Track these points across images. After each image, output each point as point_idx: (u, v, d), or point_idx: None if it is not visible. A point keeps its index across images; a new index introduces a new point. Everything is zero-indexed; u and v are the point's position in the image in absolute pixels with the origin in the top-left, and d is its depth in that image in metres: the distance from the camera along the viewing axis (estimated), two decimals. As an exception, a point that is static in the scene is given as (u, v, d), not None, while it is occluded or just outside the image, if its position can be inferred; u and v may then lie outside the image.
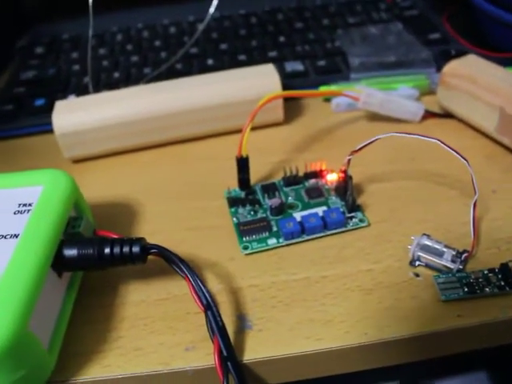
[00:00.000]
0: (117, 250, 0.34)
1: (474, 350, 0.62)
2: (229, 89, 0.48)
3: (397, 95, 0.50)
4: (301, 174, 0.43)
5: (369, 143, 0.38)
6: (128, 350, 0.34)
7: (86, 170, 0.49)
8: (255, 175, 0.45)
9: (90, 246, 0.34)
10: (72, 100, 0.50)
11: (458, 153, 0.36)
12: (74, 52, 0.64)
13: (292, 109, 0.53)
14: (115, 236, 0.36)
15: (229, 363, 0.31)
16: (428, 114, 0.50)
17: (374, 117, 0.51)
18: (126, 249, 0.34)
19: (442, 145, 0.36)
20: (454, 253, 0.37)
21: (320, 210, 0.40)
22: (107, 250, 0.34)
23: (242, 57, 0.59)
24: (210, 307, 0.32)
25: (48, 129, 0.50)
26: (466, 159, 0.36)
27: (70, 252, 0.34)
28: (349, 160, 0.40)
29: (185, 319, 0.35)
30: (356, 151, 0.39)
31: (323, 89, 0.52)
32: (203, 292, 0.32)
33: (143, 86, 0.49)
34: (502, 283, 0.35)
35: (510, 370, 0.78)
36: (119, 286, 0.38)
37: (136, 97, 0.48)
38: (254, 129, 0.47)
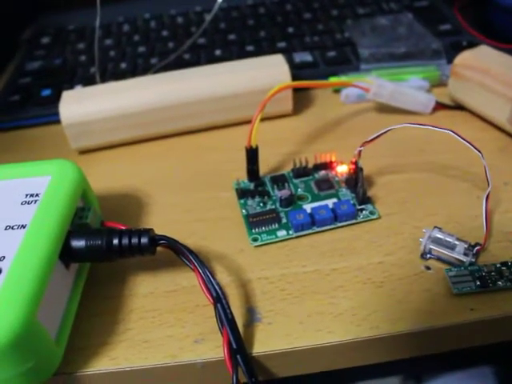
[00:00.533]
0: (125, 241, 0.33)
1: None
2: (238, 79, 0.47)
3: (407, 86, 0.50)
4: (310, 165, 0.43)
5: (381, 134, 0.38)
6: (136, 342, 0.34)
7: (93, 160, 0.48)
8: (264, 166, 0.44)
9: (98, 237, 0.33)
10: (79, 90, 0.49)
11: (471, 144, 0.35)
12: (81, 42, 0.64)
13: (301, 100, 0.52)
14: (123, 227, 0.35)
15: (238, 356, 0.31)
16: (439, 106, 0.49)
17: (384, 108, 0.50)
18: (134, 240, 0.33)
19: (456, 136, 0.35)
20: (466, 246, 0.36)
21: (330, 202, 0.40)
22: (116, 241, 0.33)
23: (250, 47, 0.59)
24: (219, 299, 0.32)
25: (55, 119, 0.50)
26: (479, 151, 0.36)
27: (78, 243, 0.33)
28: (360, 151, 0.39)
29: (194, 311, 0.35)
30: (368, 142, 0.38)
31: (333, 79, 0.51)
32: (213, 284, 0.32)
33: (150, 77, 0.49)
34: (516, 277, 0.35)
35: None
36: (127, 278, 0.37)
37: (143, 87, 0.47)
38: (263, 120, 0.46)
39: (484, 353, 0.74)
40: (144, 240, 0.33)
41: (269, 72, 0.47)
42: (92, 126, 0.47)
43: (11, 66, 0.63)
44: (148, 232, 0.34)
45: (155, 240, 0.34)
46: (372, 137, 0.38)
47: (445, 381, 0.78)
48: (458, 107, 0.49)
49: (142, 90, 0.47)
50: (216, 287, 0.32)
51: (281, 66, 0.48)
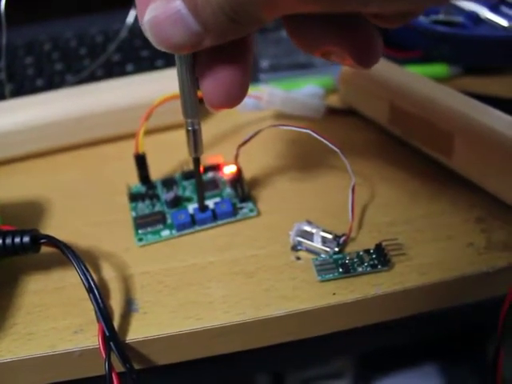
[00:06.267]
0: (9, 240, 0.36)
1: (422, 343, 0.65)
2: (136, 92, 0.50)
3: (301, 94, 0.53)
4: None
5: (252, 136, 0.41)
6: (21, 335, 0.36)
7: (4, 172, 0.51)
8: (161, 172, 0.47)
9: (-17, 238, 0.36)
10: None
11: (330, 142, 0.38)
12: (1, 60, 0.66)
13: (202, 110, 0.55)
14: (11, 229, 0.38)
15: (111, 343, 0.33)
16: (331, 111, 0.52)
17: (279, 116, 0.53)
18: (17, 239, 0.36)
19: (314, 134, 0.38)
20: (330, 237, 0.39)
21: (212, 202, 0.42)
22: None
23: (160, 62, 0.62)
24: (92, 290, 0.34)
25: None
26: (338, 148, 0.38)
27: (-34, 244, 0.36)
28: (237, 153, 0.42)
29: (77, 305, 0.37)
30: (242, 144, 0.42)
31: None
32: (86, 276, 0.35)
33: (59, 91, 0.51)
34: (376, 262, 0.38)
35: (458, 362, 0.80)
36: (21, 277, 0.40)
37: (50, 101, 0.50)
38: (164, 130, 0.49)
39: (428, 350, 0.77)
40: (26, 239, 0.36)
41: (163, 85, 0.49)
42: (1, 139, 0.49)
43: None
44: (30, 232, 0.36)
45: (37, 239, 0.36)
46: (244, 139, 0.41)
47: (392, 381, 0.80)
48: (349, 111, 0.52)
49: (48, 104, 0.50)
50: (89, 279, 0.35)
51: (174, 78, 0.50)
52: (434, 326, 0.51)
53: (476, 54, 0.56)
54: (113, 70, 0.61)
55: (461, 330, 0.64)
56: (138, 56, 0.64)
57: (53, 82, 0.61)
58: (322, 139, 0.38)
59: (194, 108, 0.34)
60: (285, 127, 0.39)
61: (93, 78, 0.60)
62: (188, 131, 0.36)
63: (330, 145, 0.38)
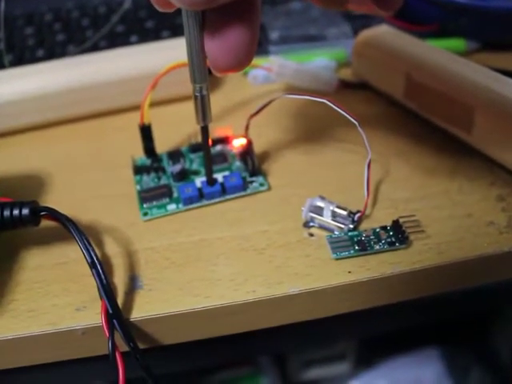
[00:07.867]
0: (7, 212, 0.34)
1: (424, 327, 0.63)
2: (138, 62, 0.48)
3: (313, 67, 0.51)
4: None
5: (264, 106, 0.39)
6: (20, 312, 0.34)
7: (2, 144, 0.49)
8: (167, 145, 0.45)
9: (-20, 210, 0.34)
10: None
11: (347, 113, 0.36)
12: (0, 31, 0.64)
13: (211, 82, 0.53)
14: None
15: (115, 321, 0.32)
16: (343, 84, 0.50)
17: (291, 89, 0.51)
18: (15, 211, 0.34)
19: (331, 104, 0.36)
20: (345, 213, 0.37)
21: (221, 176, 0.41)
22: (-3, 213, 0.34)
23: (165, 33, 0.59)
24: (94, 265, 0.33)
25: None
26: (356, 120, 0.37)
27: (-38, 216, 0.34)
28: (247, 125, 0.40)
29: (79, 281, 0.36)
30: (253, 115, 0.40)
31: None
32: (89, 251, 0.33)
33: (58, 61, 0.49)
34: (393, 239, 0.36)
35: (460, 347, 0.79)
36: (19, 252, 0.38)
37: (49, 71, 0.48)
38: (172, 101, 0.47)
39: (430, 333, 0.76)
40: (25, 211, 0.34)
41: (169, 55, 0.47)
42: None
43: None
44: (30, 203, 0.34)
45: (37, 211, 0.34)
46: (256, 109, 0.39)
47: (394, 364, 0.79)
48: (362, 85, 0.50)
49: (48, 74, 0.48)
50: (92, 253, 0.33)
51: (181, 48, 0.48)
52: (439, 310, 0.49)
53: (496, 27, 0.53)
54: (116, 42, 0.59)
55: (464, 314, 0.62)
56: (143, 27, 0.61)
57: (54, 53, 0.58)
58: (339, 110, 0.36)
59: (203, 72, 0.32)
60: (300, 96, 0.37)
61: (96, 49, 0.57)
62: (196, 97, 0.34)
63: (348, 116, 0.36)
